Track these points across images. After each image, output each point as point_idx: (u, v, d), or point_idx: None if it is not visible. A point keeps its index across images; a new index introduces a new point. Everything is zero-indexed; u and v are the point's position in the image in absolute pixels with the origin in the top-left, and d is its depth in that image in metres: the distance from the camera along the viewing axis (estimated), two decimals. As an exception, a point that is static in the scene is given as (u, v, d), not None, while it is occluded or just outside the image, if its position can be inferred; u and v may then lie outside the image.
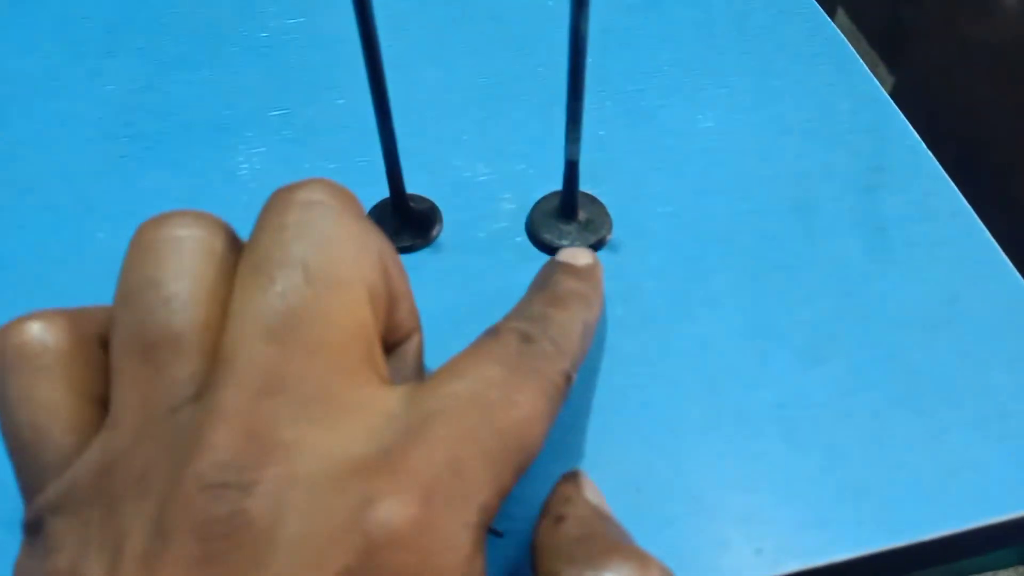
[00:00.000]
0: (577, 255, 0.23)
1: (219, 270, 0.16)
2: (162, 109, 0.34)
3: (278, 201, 0.17)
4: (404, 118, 0.32)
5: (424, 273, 0.28)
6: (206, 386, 0.15)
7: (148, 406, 0.15)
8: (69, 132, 0.33)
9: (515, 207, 0.30)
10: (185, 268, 0.16)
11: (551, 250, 0.28)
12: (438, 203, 0.30)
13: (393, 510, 0.14)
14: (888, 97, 0.33)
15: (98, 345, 0.17)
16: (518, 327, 0.19)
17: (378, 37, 0.23)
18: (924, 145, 0.31)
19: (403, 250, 0.28)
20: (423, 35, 0.36)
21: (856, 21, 0.70)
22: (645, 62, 0.35)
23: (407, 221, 0.29)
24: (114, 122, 0.33)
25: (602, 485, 0.23)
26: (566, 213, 0.28)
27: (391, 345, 0.20)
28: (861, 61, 0.34)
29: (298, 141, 0.32)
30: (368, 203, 0.30)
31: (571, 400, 0.25)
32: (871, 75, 0.34)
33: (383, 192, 0.29)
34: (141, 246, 0.17)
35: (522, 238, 0.29)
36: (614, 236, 0.29)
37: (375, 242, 0.18)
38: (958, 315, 0.26)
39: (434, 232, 0.29)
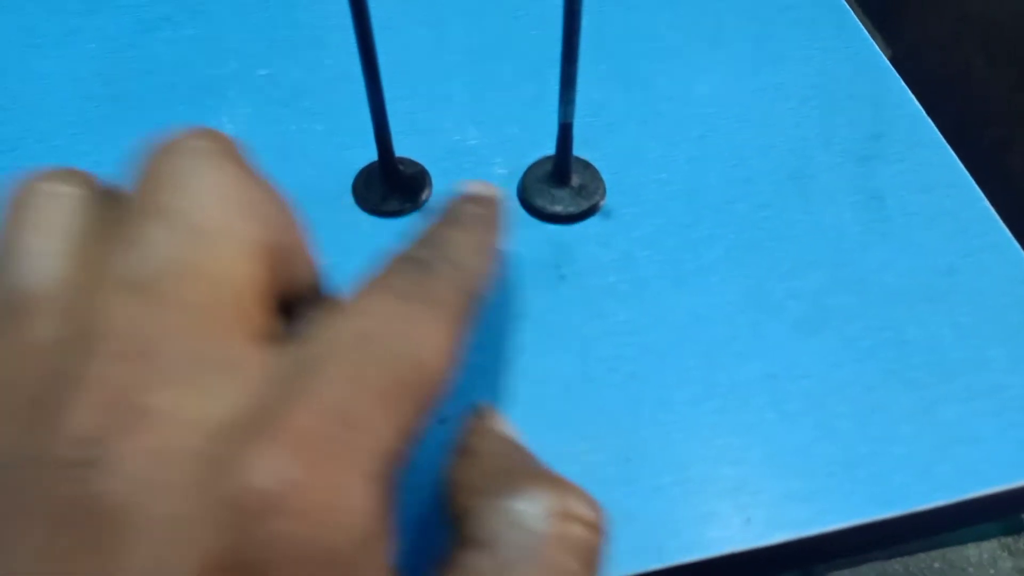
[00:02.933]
0: (476, 185, 0.21)
1: (89, 227, 0.15)
2: (144, 68, 0.33)
3: (152, 151, 0.16)
4: (394, 80, 0.32)
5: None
6: (67, 353, 0.14)
7: (5, 379, 0.14)
8: (48, 92, 0.32)
9: (506, 172, 0.29)
10: (48, 226, 0.15)
11: (543, 216, 0.28)
12: (428, 167, 0.29)
13: (267, 474, 0.12)
14: (889, 64, 0.32)
15: None
16: (411, 253, 0.17)
17: (365, -7, 0.22)
18: (924, 113, 0.30)
19: (391, 214, 0.28)
20: (414, -6, 0.35)
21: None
22: (643, 25, 0.34)
23: (396, 185, 0.28)
24: (94, 82, 0.32)
25: (591, 455, 0.23)
26: (559, 178, 0.28)
27: (294, 307, 0.18)
28: (862, 27, 0.33)
29: (284, 102, 0.31)
30: (356, 166, 0.29)
31: (560, 368, 0.24)
32: (872, 41, 0.33)
33: (372, 155, 0.28)
34: (8, 204, 0.15)
35: (513, 203, 0.28)
36: (607, 202, 0.28)
37: (259, 192, 0.16)
38: (955, 287, 0.26)
39: (423, 196, 0.28)
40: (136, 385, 0.13)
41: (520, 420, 0.23)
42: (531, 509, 0.15)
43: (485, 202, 0.21)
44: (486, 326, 0.25)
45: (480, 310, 0.18)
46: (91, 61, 0.33)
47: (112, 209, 0.15)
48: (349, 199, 0.28)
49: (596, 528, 0.16)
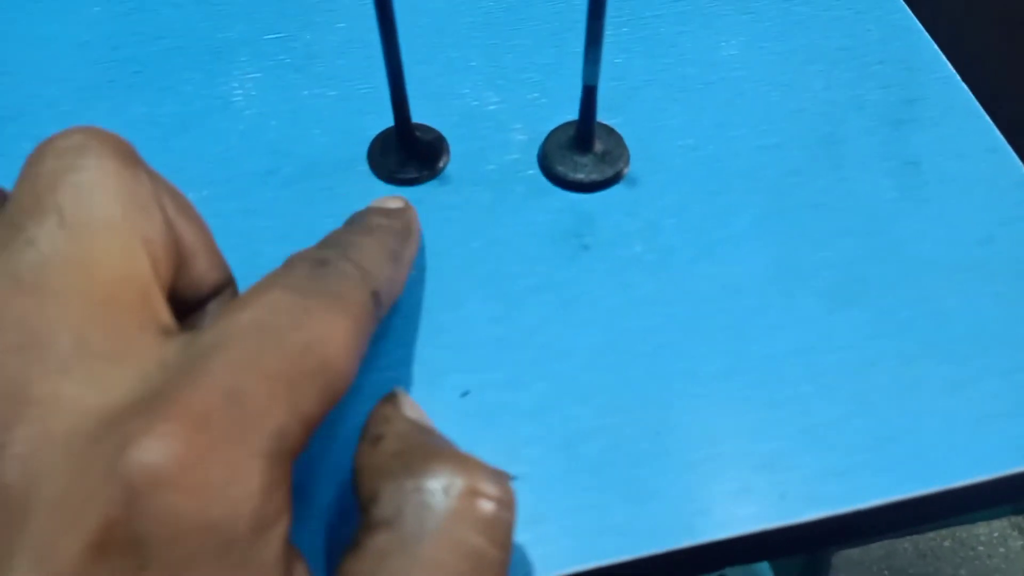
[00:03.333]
0: (389, 200, 0.22)
1: None
2: (152, 32, 0.32)
3: (36, 151, 0.16)
4: (409, 44, 0.30)
5: (429, 207, 0.26)
6: None
7: None
8: (53, 57, 0.31)
9: (526, 138, 0.28)
10: None
11: (565, 183, 0.27)
12: (445, 133, 0.28)
13: (153, 449, 0.13)
14: (921, 27, 0.31)
15: None
16: (313, 253, 0.18)
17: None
18: (959, 77, 0.29)
19: (408, 182, 0.27)
20: (428, -45, 0.34)
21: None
22: (664, -14, 0.33)
23: (413, 152, 0.27)
24: (100, 46, 0.31)
25: (621, 429, 0.22)
26: (582, 144, 0.27)
27: (196, 301, 0.18)
28: (894, -14, 0.32)
29: (296, 67, 0.30)
30: (372, 132, 0.28)
31: (585, 340, 0.23)
32: (903, 3, 0.32)
33: (387, 121, 0.27)
34: None
35: (534, 171, 0.27)
36: (631, 169, 0.27)
37: (150, 189, 0.17)
38: (992, 256, 0.25)
39: (441, 164, 0.27)
40: (27, 376, 0.14)
41: (545, 393, 0.23)
42: (433, 486, 0.15)
43: (395, 213, 0.21)
44: (505, 299, 0.24)
45: (389, 312, 0.18)
46: (97, 25, 0.32)
47: (3, 210, 0.16)
48: (364, 166, 0.27)
49: (505, 504, 0.16)
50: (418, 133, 0.27)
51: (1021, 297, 0.24)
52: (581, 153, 0.27)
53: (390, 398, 0.19)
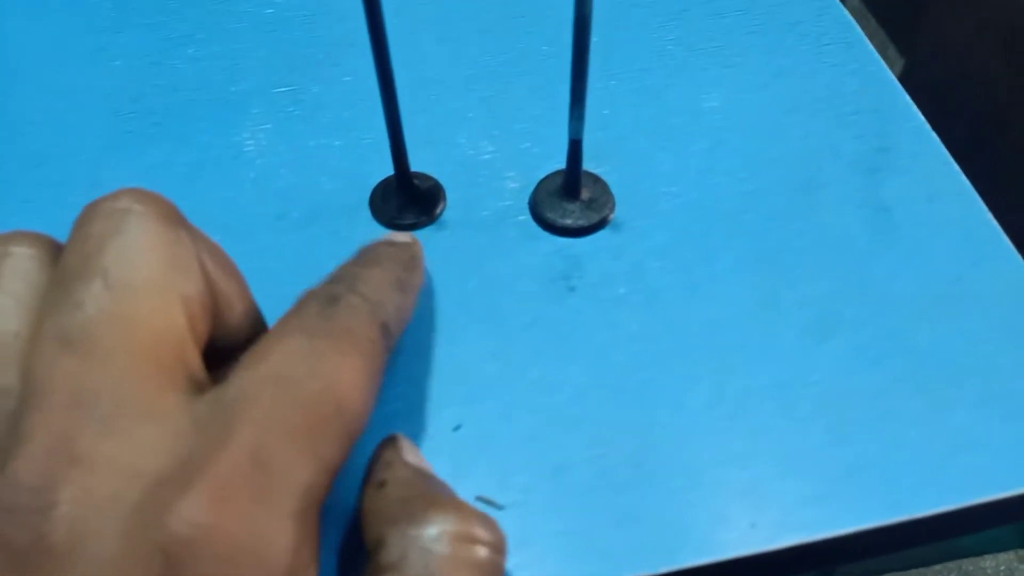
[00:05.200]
0: (396, 235, 0.23)
1: (35, 283, 0.16)
2: (169, 85, 0.34)
3: (85, 211, 0.17)
4: (409, 95, 0.32)
5: (428, 251, 0.28)
6: (19, 405, 0.15)
7: None
8: (76, 107, 0.33)
9: (519, 186, 0.30)
10: (5, 281, 0.16)
11: (554, 229, 0.28)
12: (442, 181, 0.30)
13: (186, 520, 0.14)
14: (894, 78, 0.33)
15: None
16: (322, 290, 0.19)
17: (382, 13, 0.23)
18: (929, 126, 0.31)
19: (408, 227, 0.28)
20: (429, 12, 0.36)
21: (866, 1, 0.70)
22: (652, 41, 0.34)
23: (411, 198, 0.29)
24: (121, 97, 0.33)
25: (604, 460, 0.23)
26: (569, 192, 0.28)
27: (232, 349, 0.19)
28: (868, 41, 0.34)
29: (304, 118, 0.32)
30: (374, 179, 0.30)
31: (573, 377, 0.25)
32: (877, 55, 0.33)
33: (389, 169, 0.29)
34: None
35: (525, 216, 0.29)
36: (617, 215, 0.29)
37: (189, 247, 0.17)
38: (961, 295, 0.26)
39: (438, 210, 0.29)
40: (73, 436, 0.14)
41: (534, 427, 0.24)
42: (433, 532, 0.16)
43: (400, 244, 0.22)
44: (498, 337, 0.26)
45: (398, 344, 0.19)
46: (117, 77, 0.34)
47: (55, 270, 0.17)
48: (367, 212, 0.29)
49: (497, 548, 0.17)
50: (416, 181, 0.29)
51: (988, 333, 0.25)
52: (569, 200, 0.28)
53: (391, 443, 0.20)
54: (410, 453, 0.20)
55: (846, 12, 0.35)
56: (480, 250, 0.28)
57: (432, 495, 0.18)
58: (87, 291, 0.15)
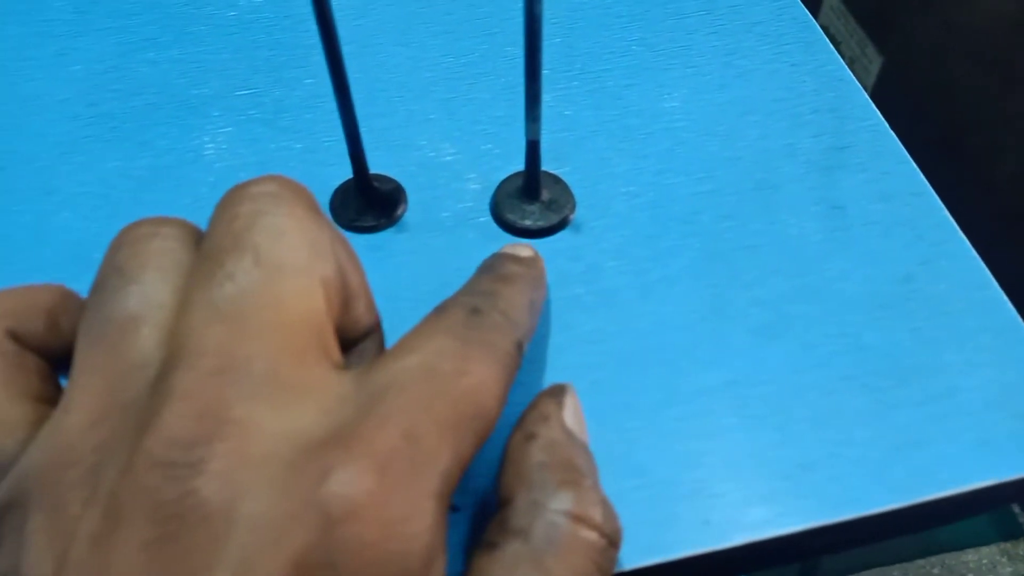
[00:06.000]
0: (519, 248, 0.24)
1: (181, 262, 0.17)
2: (128, 89, 0.34)
3: (231, 194, 0.18)
4: (371, 98, 0.33)
5: (388, 253, 0.28)
6: (162, 368, 0.15)
7: (105, 389, 0.15)
8: (34, 113, 0.33)
9: (480, 187, 0.30)
10: (150, 260, 0.17)
11: (514, 230, 0.28)
12: (403, 183, 0.30)
13: (350, 483, 0.14)
14: (852, 77, 0.33)
15: (11, 340, 0.17)
16: (466, 301, 0.19)
17: (333, 15, 0.23)
18: (887, 125, 0.31)
19: (367, 230, 0.29)
20: (392, 14, 0.36)
21: (846, 1, 0.70)
22: (614, 42, 0.35)
23: (371, 201, 0.29)
24: (79, 102, 0.33)
25: (555, 461, 0.23)
26: (529, 193, 0.29)
27: (350, 342, 0.20)
28: (827, 40, 0.34)
29: (265, 121, 0.32)
30: (335, 183, 0.30)
31: (524, 377, 0.25)
32: (837, 55, 0.34)
33: (349, 172, 0.29)
34: (114, 244, 0.17)
35: (486, 218, 0.29)
36: (577, 216, 0.29)
37: (328, 235, 0.18)
38: (911, 294, 0.27)
39: (399, 212, 0.29)
40: (225, 398, 0.15)
41: (489, 428, 0.24)
42: (559, 507, 0.17)
43: (528, 262, 0.23)
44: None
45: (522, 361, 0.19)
46: (77, 82, 0.34)
47: (202, 246, 0.17)
48: (327, 215, 0.29)
49: (612, 540, 0.18)
50: (377, 183, 0.29)
51: (937, 332, 0.26)
52: (529, 201, 0.29)
53: (556, 393, 0.20)
54: (571, 415, 0.20)
55: (806, 12, 0.35)
56: (440, 252, 0.28)
57: (573, 469, 0.18)
58: (238, 265, 0.16)
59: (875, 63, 0.66)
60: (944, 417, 0.24)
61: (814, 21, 0.35)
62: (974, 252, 0.28)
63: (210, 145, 0.31)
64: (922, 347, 0.25)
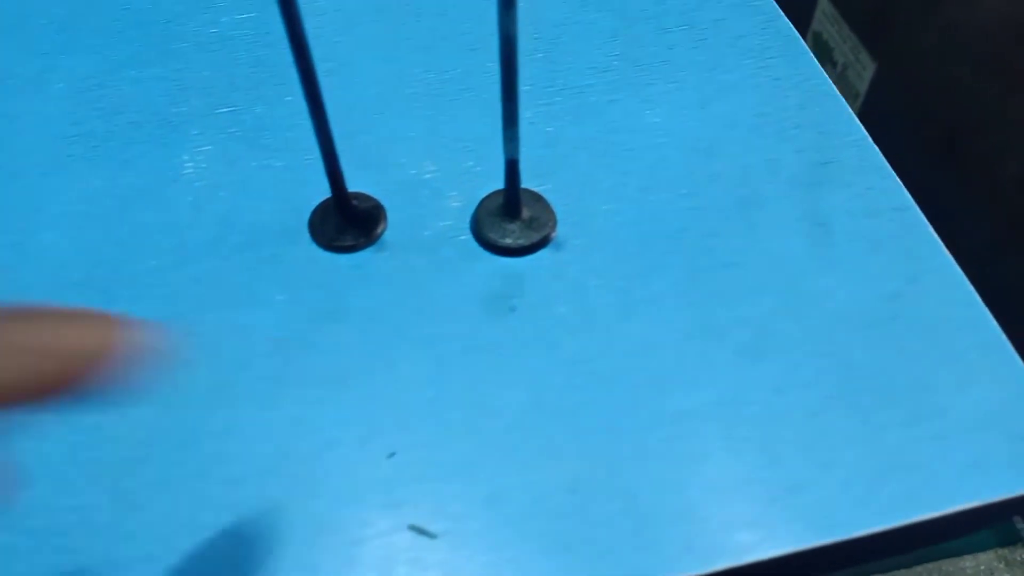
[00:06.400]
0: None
1: None
2: (111, 107, 0.33)
3: None
4: (351, 116, 0.32)
5: (367, 272, 0.28)
6: None
7: None
8: (17, 131, 0.33)
9: (460, 205, 0.30)
10: None
11: (495, 248, 0.28)
12: (384, 201, 0.30)
13: None
14: (836, 91, 0.33)
15: None
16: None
17: (305, 34, 0.23)
18: (871, 140, 0.31)
19: (346, 249, 0.28)
20: (372, 32, 0.36)
21: (838, 6, 0.70)
22: (596, 57, 0.34)
23: (350, 220, 0.29)
24: (62, 121, 0.33)
25: (537, 485, 0.23)
26: (509, 211, 0.28)
27: None
28: (812, 55, 0.34)
29: (245, 139, 0.32)
30: (315, 201, 0.30)
31: (511, 399, 0.25)
32: (821, 69, 0.34)
33: (328, 191, 0.28)
34: None
35: (466, 236, 0.29)
36: (559, 233, 0.29)
37: None
38: (899, 312, 0.26)
39: (378, 230, 0.29)
40: None
41: (472, 452, 0.24)
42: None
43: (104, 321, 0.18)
44: (436, 361, 0.26)
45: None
46: (60, 101, 0.34)
47: None
48: (306, 234, 0.29)
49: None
50: (355, 202, 0.29)
51: (925, 351, 0.25)
52: (510, 220, 0.28)
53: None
54: None
55: (790, 25, 0.35)
56: (420, 272, 0.28)
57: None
58: None
59: (868, 69, 0.66)
60: (934, 437, 0.24)
61: (798, 34, 0.35)
62: (959, 269, 0.27)
63: (189, 164, 0.31)
64: (909, 366, 0.25)
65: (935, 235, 0.28)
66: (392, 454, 0.24)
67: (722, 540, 0.22)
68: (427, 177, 0.30)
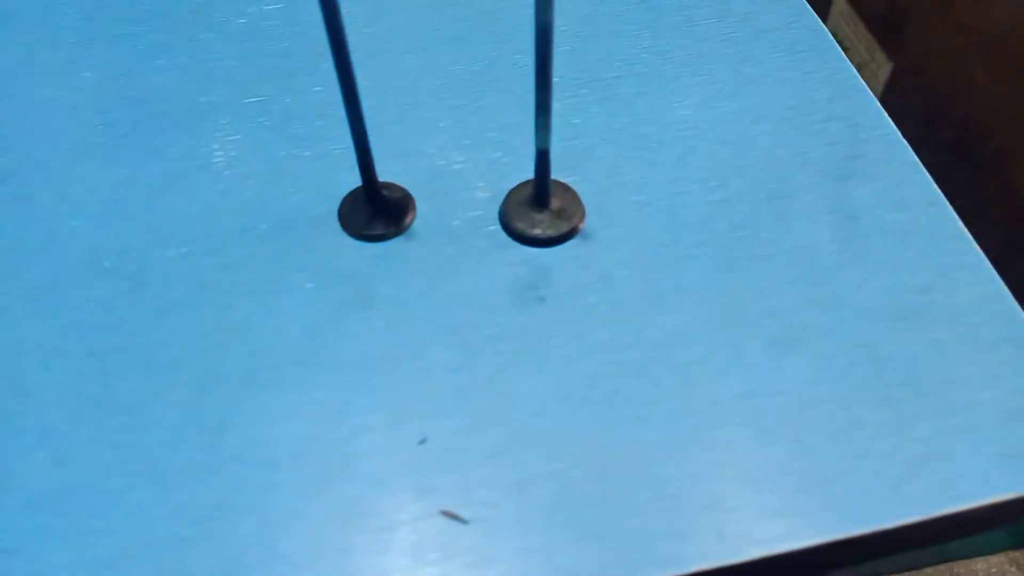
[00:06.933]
0: None
1: None
2: (138, 96, 0.33)
3: None
4: (381, 105, 0.32)
5: (396, 261, 0.28)
6: None
7: None
8: (45, 120, 0.33)
9: (489, 195, 0.30)
10: None
11: (523, 239, 0.28)
12: (413, 190, 0.30)
13: None
14: (865, 85, 0.33)
15: None
16: None
17: (343, 22, 0.23)
18: (900, 134, 0.31)
19: (376, 238, 0.28)
20: (403, 22, 0.36)
21: (854, 5, 0.70)
22: (625, 50, 0.34)
23: (380, 209, 0.29)
24: (90, 110, 0.33)
25: (566, 473, 0.23)
26: (538, 202, 0.28)
27: None
28: (840, 49, 0.34)
29: (274, 128, 0.32)
30: (344, 190, 0.30)
31: (540, 388, 0.25)
32: (849, 63, 0.33)
33: (358, 180, 0.28)
34: None
35: (495, 227, 0.29)
36: (587, 225, 0.29)
37: None
38: (929, 305, 0.26)
39: (407, 220, 0.29)
40: None
41: (500, 441, 0.24)
42: None
43: None
44: (465, 349, 0.26)
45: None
46: (87, 90, 0.34)
47: None
48: (335, 223, 0.29)
49: None
50: (385, 192, 0.29)
51: (955, 344, 0.25)
52: (538, 210, 0.28)
53: None
54: None
55: (818, 19, 0.35)
56: (449, 261, 0.28)
57: None
58: None
59: (884, 68, 0.65)
60: (964, 430, 0.24)
61: (826, 28, 0.35)
62: (988, 263, 0.27)
63: (219, 152, 0.31)
64: (940, 359, 0.25)
65: (964, 229, 0.28)
66: (423, 440, 0.24)
67: (753, 529, 0.22)
68: (456, 167, 0.31)
